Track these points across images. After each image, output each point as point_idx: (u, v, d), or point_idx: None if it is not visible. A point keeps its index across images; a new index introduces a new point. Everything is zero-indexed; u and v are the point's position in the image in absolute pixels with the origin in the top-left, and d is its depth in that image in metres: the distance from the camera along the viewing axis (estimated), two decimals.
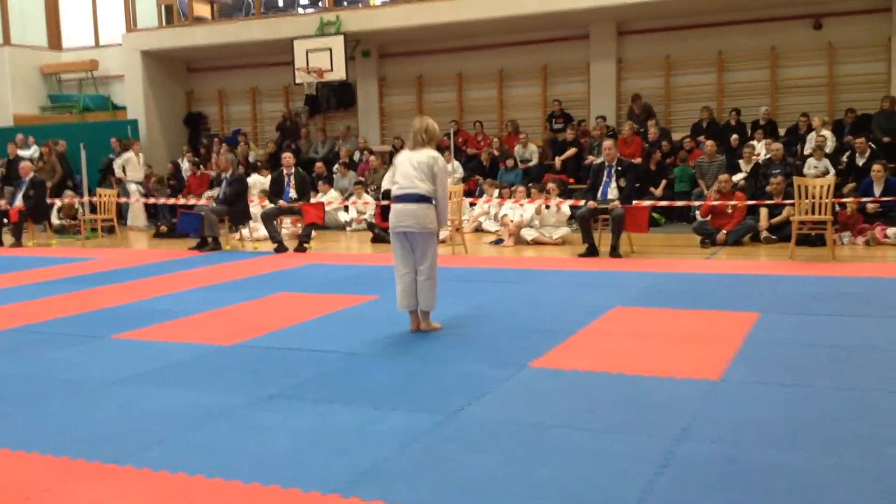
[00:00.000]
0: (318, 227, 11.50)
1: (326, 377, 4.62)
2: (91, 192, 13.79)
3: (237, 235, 11.93)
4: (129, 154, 15.50)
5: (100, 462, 3.37)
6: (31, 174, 12.90)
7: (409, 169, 5.54)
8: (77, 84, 19.94)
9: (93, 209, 13.46)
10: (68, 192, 14.99)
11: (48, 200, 13.54)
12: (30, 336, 5.88)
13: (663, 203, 12.19)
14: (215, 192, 12.94)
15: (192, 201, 13.48)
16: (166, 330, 5.96)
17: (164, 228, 13.52)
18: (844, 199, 10.34)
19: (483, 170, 14.65)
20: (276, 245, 10.78)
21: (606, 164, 9.71)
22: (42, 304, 7.18)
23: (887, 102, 13.10)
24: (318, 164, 15.16)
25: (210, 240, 11.12)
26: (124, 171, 15.49)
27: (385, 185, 13.83)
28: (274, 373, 4.70)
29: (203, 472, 3.24)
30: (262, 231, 11.60)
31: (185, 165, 16.51)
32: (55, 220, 14.30)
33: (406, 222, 5.52)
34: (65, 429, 3.83)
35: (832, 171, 11.68)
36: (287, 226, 12.46)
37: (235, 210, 11.21)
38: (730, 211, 10.36)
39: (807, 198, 9.00)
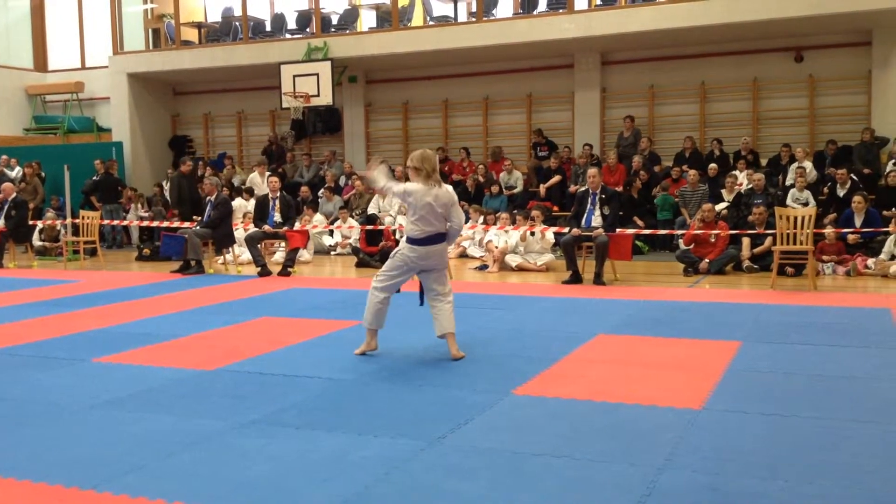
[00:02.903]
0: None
1: (309, 403, 4.59)
2: (74, 214, 13.72)
3: (221, 259, 11.90)
4: (254, 174, 14.16)
5: (78, 487, 3.33)
6: (14, 194, 12.83)
7: (435, 211, 5.51)
8: (62, 106, 19.92)
9: (75, 231, 13.38)
10: (50, 214, 14.90)
11: (30, 222, 13.45)
12: (9, 359, 5.82)
13: (646, 231, 12.27)
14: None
15: (175, 224, 13.44)
16: (147, 354, 5.91)
17: (146, 251, 13.45)
18: (825, 231, 10.44)
19: (468, 196, 14.71)
20: (259, 269, 10.75)
21: (590, 191, 9.77)
22: (22, 327, 7.11)
23: (867, 134, 13.30)
24: (304, 189, 15.17)
25: (193, 263, 11.07)
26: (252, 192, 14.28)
27: (374, 209, 13.88)
28: (256, 398, 4.67)
29: (183, 498, 3.20)
30: (246, 255, 11.58)
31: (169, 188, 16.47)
32: (37, 241, 14.21)
33: (431, 262, 5.59)
34: (43, 453, 3.78)
35: (812, 202, 11.81)
36: (282, 248, 12.39)
37: (219, 233, 11.18)
38: (713, 240, 10.44)
39: (788, 228, 9.09)
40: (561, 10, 14.58)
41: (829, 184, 12.43)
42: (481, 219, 12.95)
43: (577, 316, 7.37)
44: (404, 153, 16.78)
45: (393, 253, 5.74)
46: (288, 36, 16.90)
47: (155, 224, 14.35)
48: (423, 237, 5.53)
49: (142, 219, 15.26)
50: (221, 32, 17.57)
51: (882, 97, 13.72)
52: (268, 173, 13.70)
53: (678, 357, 5.61)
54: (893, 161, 12.56)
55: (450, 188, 5.67)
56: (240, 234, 12.11)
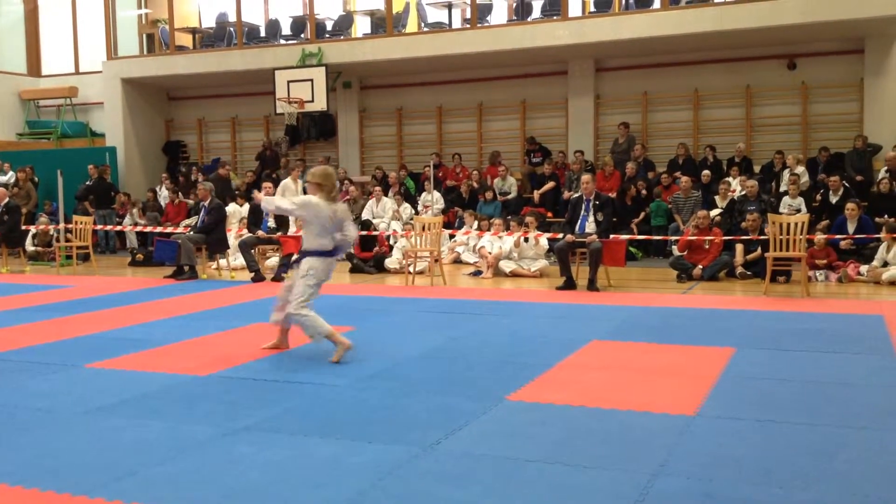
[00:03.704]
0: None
1: (302, 408, 4.58)
2: (67, 219, 13.68)
3: (214, 264, 11.87)
4: (287, 181, 13.85)
5: (70, 494, 3.31)
6: (6, 199, 12.78)
7: (332, 225, 5.75)
8: (56, 111, 19.88)
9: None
10: (43, 219, 14.86)
11: (23, 227, 13.40)
12: (1, 364, 5.79)
13: (640, 237, 12.29)
14: (193, 220, 12.88)
15: (169, 229, 13.41)
16: (140, 359, 5.89)
17: (139, 256, 13.41)
18: (817, 237, 10.47)
19: (462, 201, 14.73)
20: (253, 274, 10.73)
21: (584, 198, 9.79)
22: (14, 332, 7.08)
23: (860, 141, 13.36)
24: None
25: (186, 268, 11.04)
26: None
27: (368, 215, 13.88)
28: (249, 404, 4.66)
29: None
30: (240, 260, 11.55)
31: (163, 193, 16.46)
32: (29, 246, 14.16)
33: (330, 273, 5.90)
34: (35, 459, 3.76)
35: (804, 209, 11.85)
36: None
37: (213, 239, 11.16)
38: (706, 246, 10.46)
39: (781, 234, 9.11)
40: (555, 17, 14.63)
41: (822, 191, 12.47)
42: (475, 224, 12.95)
43: (570, 322, 7.37)
44: (398, 159, 16.82)
45: (303, 274, 5.75)
46: (282, 41, 16.90)
47: (149, 229, 14.31)
48: (333, 248, 5.78)
49: (137, 225, 15.18)
50: (216, 38, 17.56)
51: (874, 105, 13.79)
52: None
53: (672, 363, 5.61)
54: (886, 168, 12.61)
55: (344, 205, 6.00)
56: (233, 239, 12.08)
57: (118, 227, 15.39)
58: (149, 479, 3.49)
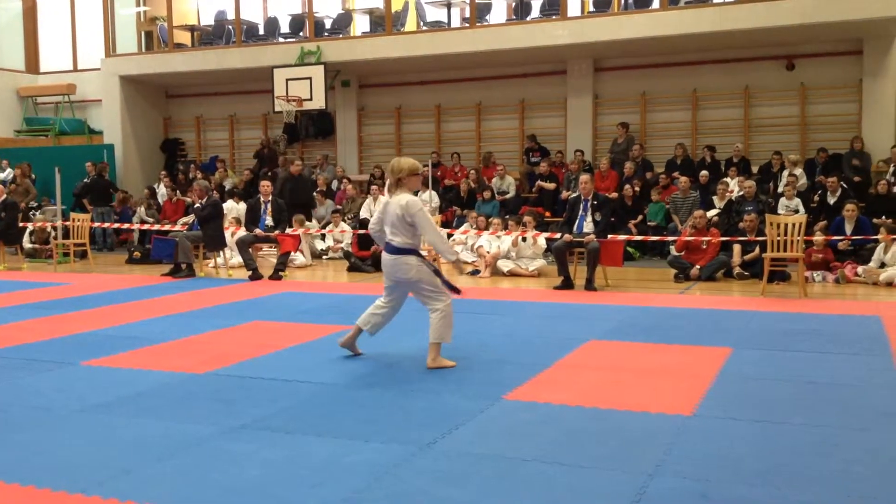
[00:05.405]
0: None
1: (299, 407, 4.58)
2: (64, 217, 13.65)
3: (211, 262, 11.85)
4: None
5: (66, 492, 3.30)
6: (3, 197, 12.75)
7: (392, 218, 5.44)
8: (54, 108, 19.85)
9: (66, 234, 13.31)
10: (40, 216, 14.83)
11: (21, 224, 13.38)
12: None
13: (638, 237, 12.30)
14: (191, 218, 12.86)
15: (167, 227, 13.39)
16: (137, 357, 5.89)
17: (137, 254, 13.39)
18: (815, 238, 10.48)
19: (461, 201, 14.72)
20: (250, 272, 10.72)
21: (582, 197, 9.79)
22: (10, 329, 7.07)
23: (858, 143, 13.37)
24: None
25: (184, 266, 11.03)
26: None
27: (366, 213, 13.86)
28: (246, 402, 4.65)
29: (172, 503, 3.19)
30: (237, 258, 11.54)
31: (161, 191, 16.44)
32: (27, 243, 14.14)
33: (396, 275, 5.52)
34: (31, 457, 3.75)
35: (802, 210, 11.86)
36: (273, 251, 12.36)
37: (210, 235, 11.14)
38: (704, 247, 10.46)
39: (778, 235, 9.12)
40: (554, 17, 14.63)
41: (820, 191, 12.48)
42: (474, 224, 12.93)
43: (568, 322, 7.37)
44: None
45: None
46: (281, 40, 16.88)
47: (146, 227, 14.30)
48: (385, 245, 5.54)
49: (144, 222, 15.13)
50: (214, 35, 17.54)
51: (873, 106, 13.80)
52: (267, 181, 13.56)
53: (669, 363, 5.61)
54: (894, 164, 12.61)
55: (406, 200, 5.40)
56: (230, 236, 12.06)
57: (122, 226, 15.32)
58: (145, 477, 3.48)
